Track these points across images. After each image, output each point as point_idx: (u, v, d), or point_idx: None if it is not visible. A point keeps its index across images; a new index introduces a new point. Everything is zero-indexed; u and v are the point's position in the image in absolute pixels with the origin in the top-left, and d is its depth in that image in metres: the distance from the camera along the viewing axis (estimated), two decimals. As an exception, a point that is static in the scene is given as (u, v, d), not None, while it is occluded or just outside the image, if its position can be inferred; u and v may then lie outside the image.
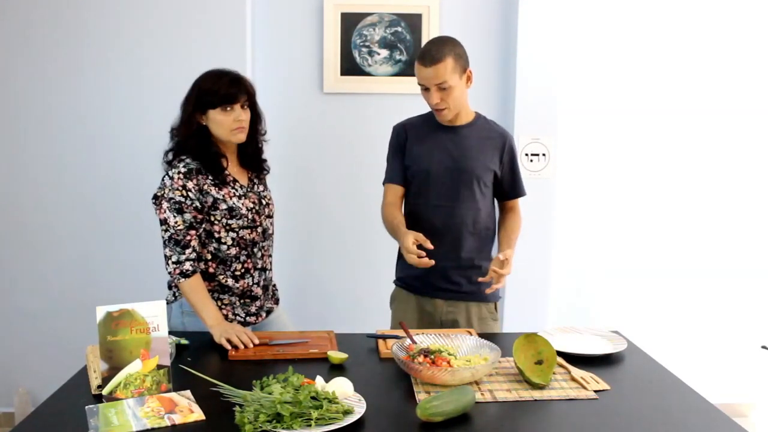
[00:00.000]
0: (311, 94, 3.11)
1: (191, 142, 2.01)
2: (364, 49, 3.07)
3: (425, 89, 2.10)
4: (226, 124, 2.00)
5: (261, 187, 2.16)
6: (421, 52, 2.10)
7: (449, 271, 2.21)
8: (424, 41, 2.97)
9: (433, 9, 3.04)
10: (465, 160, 2.17)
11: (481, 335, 2.00)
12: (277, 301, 2.28)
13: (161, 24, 2.93)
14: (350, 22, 3.05)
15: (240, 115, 2.00)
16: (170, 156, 2.05)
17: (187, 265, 1.96)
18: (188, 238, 1.97)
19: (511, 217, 2.28)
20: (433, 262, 1.97)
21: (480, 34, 3.09)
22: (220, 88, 1.98)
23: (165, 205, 1.97)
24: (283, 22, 3.07)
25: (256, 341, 1.92)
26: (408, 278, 2.30)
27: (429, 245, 1.99)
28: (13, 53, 2.94)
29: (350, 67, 3.08)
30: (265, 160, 2.20)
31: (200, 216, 1.99)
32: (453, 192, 2.18)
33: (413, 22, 3.05)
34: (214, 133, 2.03)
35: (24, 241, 3.07)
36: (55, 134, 3.00)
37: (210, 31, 2.92)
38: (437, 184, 2.19)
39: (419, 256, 1.96)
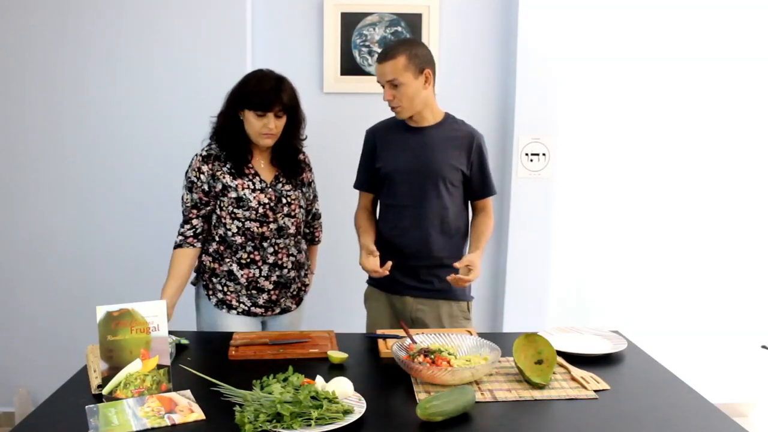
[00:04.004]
0: (311, 94, 3.10)
1: (224, 132, 2.12)
2: (364, 49, 3.07)
3: (382, 86, 2.14)
4: (256, 128, 2.07)
5: (288, 187, 2.19)
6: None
7: (419, 270, 2.23)
8: (424, 41, 2.99)
9: (433, 9, 3.04)
10: (430, 159, 2.18)
11: (480, 335, 2.00)
12: (299, 302, 2.29)
13: (162, 24, 2.93)
14: (350, 21, 3.05)
15: (270, 122, 2.06)
16: (210, 139, 2.17)
17: (180, 239, 2.12)
18: (191, 215, 2.12)
19: (482, 218, 2.27)
20: (386, 272, 2.05)
21: (480, 34, 3.09)
22: (259, 93, 2.04)
23: (185, 182, 2.14)
24: (283, 22, 3.07)
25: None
26: (378, 277, 2.32)
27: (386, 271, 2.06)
28: (15, 54, 2.94)
29: (350, 66, 3.08)
30: (299, 162, 2.23)
31: (206, 198, 2.12)
32: (419, 192, 2.19)
33: (413, 22, 3.05)
34: (246, 129, 2.10)
35: (24, 241, 3.07)
36: (55, 134, 3.00)
37: (210, 30, 2.92)
38: (404, 185, 2.21)
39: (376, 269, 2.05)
